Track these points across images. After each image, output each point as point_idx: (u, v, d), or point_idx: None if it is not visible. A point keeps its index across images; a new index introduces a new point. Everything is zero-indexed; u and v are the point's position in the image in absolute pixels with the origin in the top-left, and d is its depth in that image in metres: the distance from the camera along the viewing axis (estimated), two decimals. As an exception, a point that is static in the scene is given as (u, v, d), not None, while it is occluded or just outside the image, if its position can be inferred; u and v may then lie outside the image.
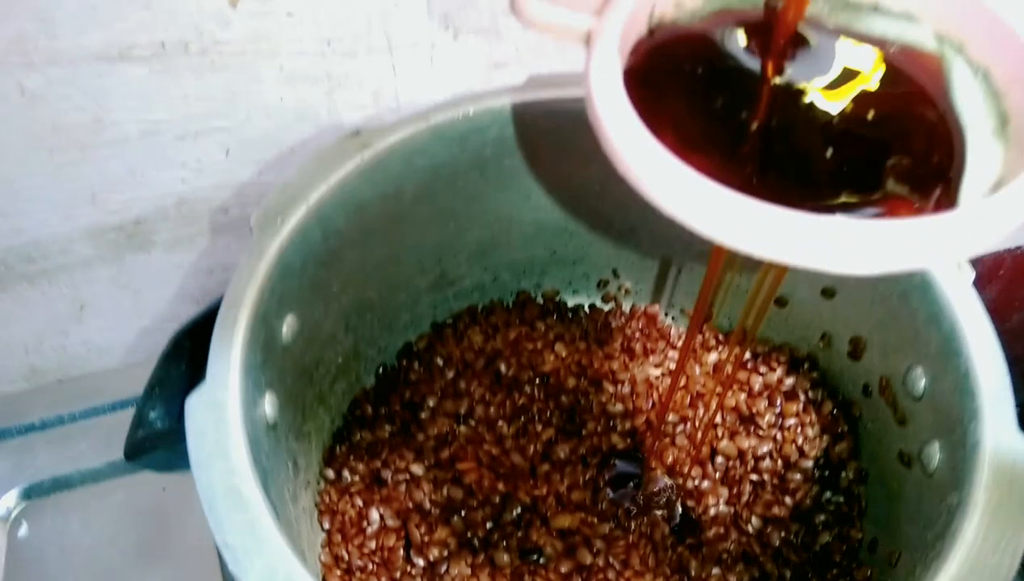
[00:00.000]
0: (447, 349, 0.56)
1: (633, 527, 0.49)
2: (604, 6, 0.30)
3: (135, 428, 0.45)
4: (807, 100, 0.30)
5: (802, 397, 0.53)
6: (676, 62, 0.31)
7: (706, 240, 0.25)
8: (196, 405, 0.36)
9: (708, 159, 0.26)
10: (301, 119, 0.52)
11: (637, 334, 0.58)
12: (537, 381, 0.55)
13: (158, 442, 0.44)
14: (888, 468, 0.47)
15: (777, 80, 0.30)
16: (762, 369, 0.55)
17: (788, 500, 0.51)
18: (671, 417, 0.54)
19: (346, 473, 0.51)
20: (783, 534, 0.50)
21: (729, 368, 0.56)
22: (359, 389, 0.55)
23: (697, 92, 0.31)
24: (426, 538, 0.47)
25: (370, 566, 0.47)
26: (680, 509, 0.51)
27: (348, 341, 0.52)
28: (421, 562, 0.47)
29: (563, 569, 0.46)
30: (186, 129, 0.50)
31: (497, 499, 0.49)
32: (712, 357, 0.57)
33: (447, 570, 0.47)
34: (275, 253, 0.42)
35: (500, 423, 0.53)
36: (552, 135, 0.50)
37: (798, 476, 0.51)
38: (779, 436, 0.52)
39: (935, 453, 0.41)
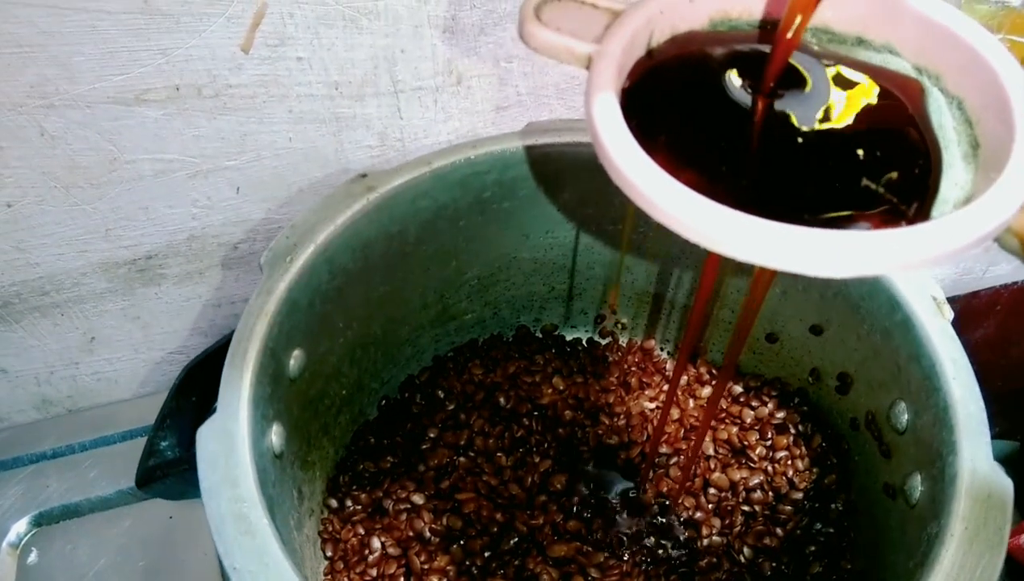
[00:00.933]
0: (448, 382, 0.58)
1: (627, 556, 0.50)
2: (605, 32, 0.31)
3: (146, 457, 0.46)
4: (797, 119, 0.32)
5: (792, 430, 0.55)
6: (672, 83, 0.32)
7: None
8: (207, 435, 0.38)
9: (700, 174, 0.28)
10: (309, 159, 0.54)
11: (633, 368, 0.60)
12: (535, 413, 0.56)
13: (169, 471, 0.46)
14: (875, 500, 0.48)
15: (769, 101, 0.32)
16: (754, 403, 0.56)
17: (779, 531, 0.52)
18: (664, 449, 0.55)
19: (349, 502, 0.52)
20: (774, 564, 0.51)
21: (722, 400, 0.57)
22: (362, 420, 0.57)
23: (692, 111, 0.32)
24: (426, 566, 0.49)
25: (371, 593, 0.48)
26: (674, 539, 0.52)
27: (352, 374, 0.54)
28: (421, 590, 0.48)
29: (559, 597, 0.48)
30: (198, 168, 0.52)
31: (495, 528, 0.51)
32: (706, 391, 0.58)
33: (446, 598, 0.48)
34: (284, 291, 0.44)
35: (499, 454, 0.54)
36: (551, 178, 0.53)
37: (789, 507, 0.52)
38: (770, 468, 0.54)
39: (917, 485, 0.42)
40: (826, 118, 0.32)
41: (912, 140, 0.31)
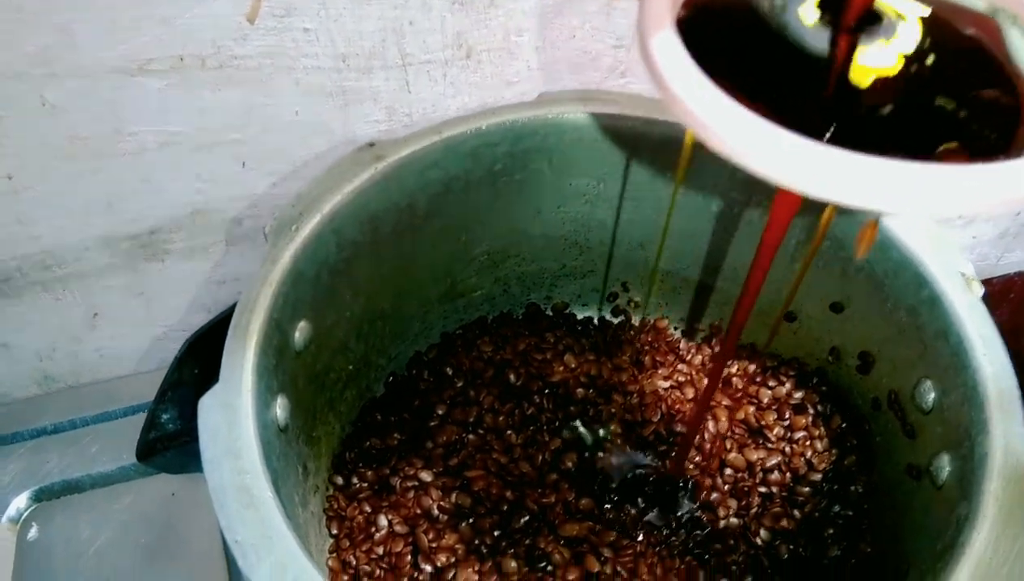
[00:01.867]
0: (457, 359, 0.56)
1: (641, 537, 0.49)
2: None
3: (147, 430, 0.45)
4: (867, 53, 0.30)
5: (811, 411, 0.53)
6: (735, 15, 0.31)
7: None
8: (209, 405, 0.37)
9: (764, 106, 0.25)
10: (315, 133, 0.52)
11: (646, 347, 0.59)
12: (546, 391, 0.55)
13: (170, 443, 0.45)
14: (897, 481, 0.47)
15: (836, 33, 0.30)
16: (771, 383, 0.55)
17: (797, 513, 0.51)
18: (679, 428, 0.54)
19: (355, 479, 0.51)
20: (791, 547, 0.49)
21: (738, 380, 0.56)
22: (369, 397, 0.56)
23: (751, 42, 0.30)
24: (434, 544, 0.48)
25: (377, 572, 0.47)
26: (689, 520, 0.51)
27: (359, 349, 0.53)
28: (428, 568, 0.47)
29: (571, 577, 0.46)
30: (202, 141, 0.50)
31: (505, 507, 0.49)
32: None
33: (455, 576, 0.47)
34: (289, 261, 0.43)
35: (509, 432, 0.53)
36: (564, 150, 0.51)
37: (807, 489, 0.51)
38: (788, 449, 0.52)
39: (944, 465, 0.41)
40: (900, 55, 0.30)
41: (996, 76, 0.29)
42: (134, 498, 0.54)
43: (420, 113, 0.53)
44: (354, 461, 0.52)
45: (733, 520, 0.50)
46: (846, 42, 0.30)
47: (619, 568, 0.47)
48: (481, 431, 0.53)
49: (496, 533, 0.48)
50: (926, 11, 0.31)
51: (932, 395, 0.43)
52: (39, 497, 0.55)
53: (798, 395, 0.54)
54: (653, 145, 0.51)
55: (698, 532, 0.50)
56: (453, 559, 0.47)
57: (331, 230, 0.45)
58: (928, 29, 0.31)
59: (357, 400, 0.55)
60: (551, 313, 0.61)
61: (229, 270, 0.59)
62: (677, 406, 0.55)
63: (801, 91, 0.29)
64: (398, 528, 0.49)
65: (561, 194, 0.54)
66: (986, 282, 0.66)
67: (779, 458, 0.52)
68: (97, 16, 0.43)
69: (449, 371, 0.56)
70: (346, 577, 0.47)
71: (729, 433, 0.53)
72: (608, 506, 0.51)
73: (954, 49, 0.30)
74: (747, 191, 0.51)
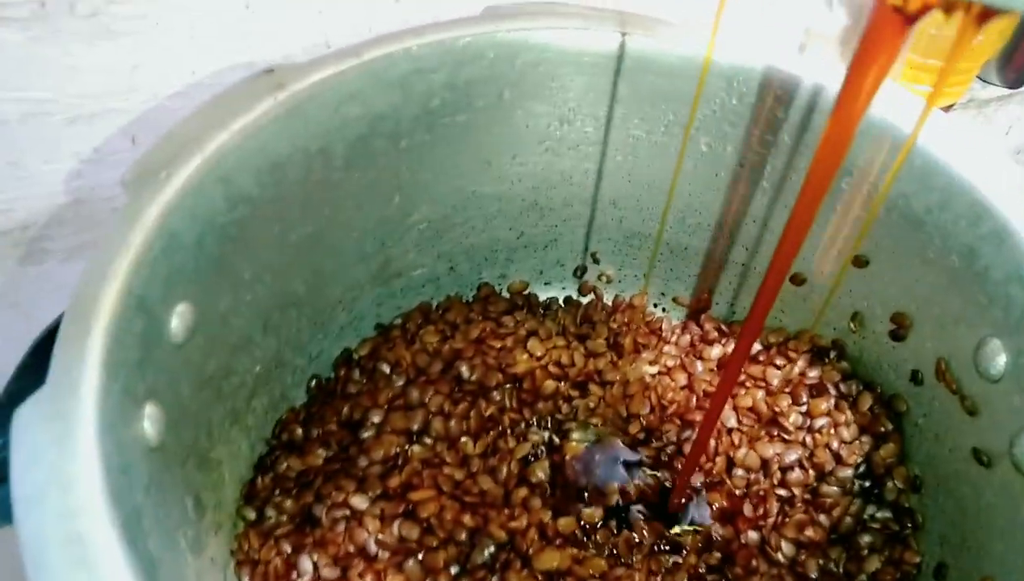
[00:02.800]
0: (395, 352, 0.45)
1: (638, 563, 0.39)
2: None
3: (-31, 462, 0.33)
4: None
5: (833, 392, 0.44)
6: None
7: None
8: (28, 419, 0.25)
9: None
10: (220, 99, 0.43)
11: (624, 328, 0.49)
12: (508, 386, 0.44)
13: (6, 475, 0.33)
14: (954, 472, 0.37)
15: None
16: (778, 361, 0.45)
17: (824, 519, 0.41)
18: (668, 426, 0.44)
19: (270, 512, 0.40)
20: (821, 562, 0.40)
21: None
22: (286, 407, 0.44)
23: None
24: (373, 591, 0.37)
25: (301, 632, 0.36)
26: (696, 537, 0.40)
27: (269, 345, 0.41)
28: (367, 623, 0.36)
29: (553, 623, 0.36)
30: (78, 111, 0.42)
31: (464, 536, 0.39)
32: (715, 351, 0.47)
33: (402, 633, 0.36)
34: (157, 217, 0.31)
35: (464, 440, 0.42)
36: (518, 82, 0.41)
37: (835, 489, 0.42)
38: (808, 440, 0.43)
39: (1032, 445, 0.32)
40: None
41: None
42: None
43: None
44: (269, 488, 0.41)
45: (750, 534, 0.40)
46: None
47: (616, 605, 0.37)
48: (428, 441, 0.42)
49: (454, 571, 0.38)
50: None
51: (1003, 358, 0.34)
52: None
53: (813, 374, 0.45)
54: (632, 70, 0.41)
55: (707, 553, 0.40)
56: (399, 608, 0.36)
57: (217, 178, 0.34)
58: None
59: (270, 411, 0.43)
60: (508, 295, 0.51)
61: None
62: (669, 395, 0.45)
63: None
64: (326, 572, 0.38)
65: (516, 139, 0.44)
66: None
67: (799, 452, 0.42)
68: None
69: (386, 368, 0.45)
70: (259, 641, 0.36)
71: (736, 425, 0.43)
72: (594, 526, 0.40)
73: None
74: (768, 129, 0.41)
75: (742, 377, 0.45)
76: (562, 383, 0.45)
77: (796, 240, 0.31)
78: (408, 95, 0.40)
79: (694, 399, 0.44)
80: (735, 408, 0.44)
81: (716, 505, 0.41)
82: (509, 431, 0.43)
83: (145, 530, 0.28)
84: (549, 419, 0.44)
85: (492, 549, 0.39)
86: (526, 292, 0.51)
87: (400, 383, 0.44)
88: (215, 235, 0.34)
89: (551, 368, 0.45)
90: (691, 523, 0.41)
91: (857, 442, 0.42)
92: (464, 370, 0.44)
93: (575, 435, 0.43)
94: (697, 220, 0.47)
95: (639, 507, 0.41)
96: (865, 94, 0.27)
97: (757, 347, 0.47)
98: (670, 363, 0.46)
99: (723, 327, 0.49)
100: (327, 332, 0.46)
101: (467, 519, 0.39)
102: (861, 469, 0.42)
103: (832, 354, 0.45)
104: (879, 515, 0.41)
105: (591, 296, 0.52)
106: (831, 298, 0.44)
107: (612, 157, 0.45)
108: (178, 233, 0.32)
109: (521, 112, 0.43)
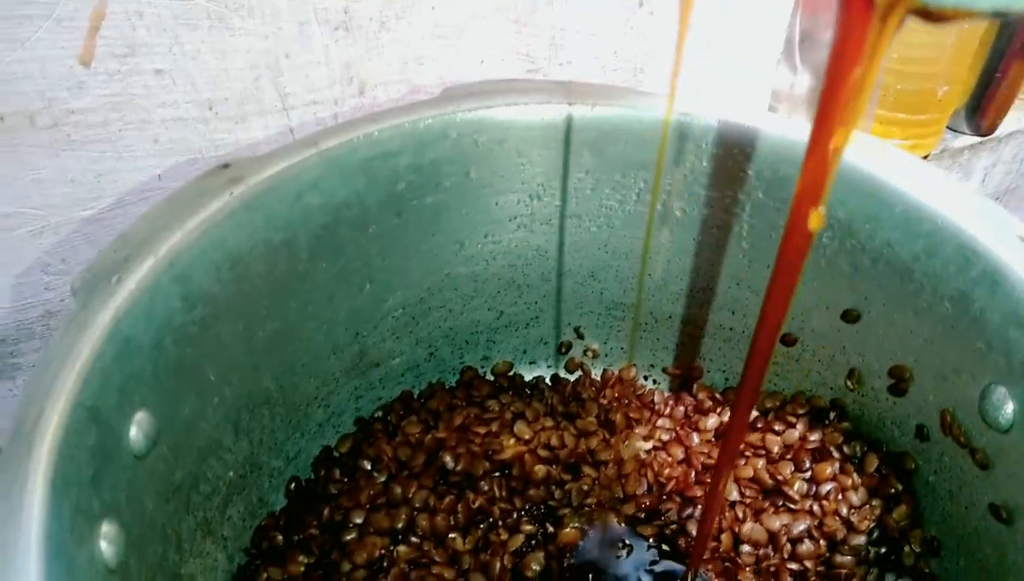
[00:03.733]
0: (376, 447, 0.43)
1: (648, 657, 0.36)
2: None
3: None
4: None
5: (836, 454, 0.42)
6: None
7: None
8: (-39, 549, 0.23)
9: None
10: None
11: (614, 403, 0.47)
12: (496, 474, 0.42)
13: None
14: (974, 530, 0.35)
15: None
16: (776, 427, 0.43)
17: (841, 592, 0.38)
18: (668, 505, 0.41)
19: (250, 630, 0.37)
20: (843, 640, 0.37)
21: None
22: (264, 513, 0.42)
23: None
24: None
25: None
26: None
27: (241, 448, 0.39)
28: None
29: None
30: (44, 222, 0.41)
31: (458, 641, 0.36)
32: (711, 421, 0.45)
33: None
34: (109, 322, 0.30)
35: (452, 536, 0.40)
36: (485, 159, 0.40)
37: (849, 558, 0.39)
38: (816, 508, 0.40)
39: (1053, 497, 0.30)
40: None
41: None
42: None
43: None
44: (248, 603, 0.38)
45: (764, 614, 0.38)
46: None
47: None
48: (415, 539, 0.40)
49: (448, 681, 0.35)
50: None
51: (1010, 406, 0.32)
52: None
53: (814, 437, 0.42)
54: (598, 140, 0.40)
55: (721, 637, 0.37)
56: None
57: (172, 278, 0.32)
58: None
59: (247, 518, 0.41)
60: (492, 377, 0.49)
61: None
62: (666, 471, 0.42)
63: None
64: None
65: (487, 218, 0.43)
66: None
67: (807, 522, 0.40)
68: None
69: (367, 464, 0.43)
70: None
71: (739, 498, 0.41)
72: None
73: None
74: (739, 188, 0.40)
75: (740, 447, 0.43)
76: (553, 467, 0.43)
77: (783, 300, 0.30)
78: (372, 180, 0.39)
79: (693, 473, 0.42)
80: (736, 479, 0.41)
81: (724, 586, 0.39)
82: (500, 523, 0.41)
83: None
84: (542, 506, 0.41)
85: (489, 653, 0.36)
86: (511, 373, 0.49)
87: (382, 480, 0.42)
88: (174, 337, 0.33)
89: (540, 451, 0.43)
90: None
91: (867, 506, 0.40)
92: (448, 460, 0.42)
93: (570, 522, 0.41)
94: (679, 287, 0.46)
95: (643, 595, 0.38)
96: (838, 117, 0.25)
97: (753, 414, 0.45)
98: (665, 437, 0.44)
99: (717, 395, 0.47)
100: (304, 430, 0.44)
101: (460, 622, 0.37)
102: (875, 535, 0.39)
103: (832, 415, 0.43)
104: (899, 583, 0.39)
105: (578, 373, 0.50)
106: (825, 356, 0.43)
107: (587, 228, 0.44)
108: (132, 338, 0.31)
109: (489, 190, 0.42)
